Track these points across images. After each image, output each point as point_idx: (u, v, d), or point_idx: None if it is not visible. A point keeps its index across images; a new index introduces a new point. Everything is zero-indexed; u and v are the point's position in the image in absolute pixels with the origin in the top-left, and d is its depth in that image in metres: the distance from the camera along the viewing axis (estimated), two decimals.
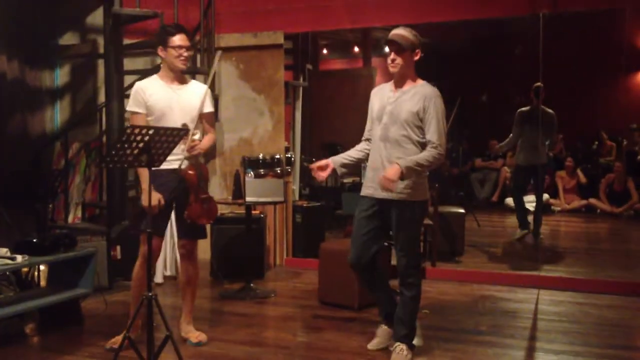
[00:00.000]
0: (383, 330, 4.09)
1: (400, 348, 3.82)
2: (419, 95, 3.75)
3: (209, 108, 4.12)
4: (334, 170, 3.92)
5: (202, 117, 4.10)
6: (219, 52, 4.32)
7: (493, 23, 6.61)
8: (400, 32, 3.76)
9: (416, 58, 3.79)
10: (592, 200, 9.65)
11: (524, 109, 7.32)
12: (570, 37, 8.39)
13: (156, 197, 3.80)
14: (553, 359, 3.91)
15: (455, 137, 9.75)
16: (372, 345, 4.04)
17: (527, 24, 5.93)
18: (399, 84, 3.86)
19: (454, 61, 8.97)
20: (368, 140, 4.01)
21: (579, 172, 9.87)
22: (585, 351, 4.03)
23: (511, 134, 7.43)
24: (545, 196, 9.60)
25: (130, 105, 3.99)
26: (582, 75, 9.61)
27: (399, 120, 3.75)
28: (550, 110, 7.18)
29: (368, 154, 3.98)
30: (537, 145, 7.14)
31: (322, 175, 3.93)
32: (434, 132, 3.70)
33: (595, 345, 4.16)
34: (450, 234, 6.75)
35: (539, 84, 7.06)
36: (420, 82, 3.86)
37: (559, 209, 9.77)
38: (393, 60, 3.78)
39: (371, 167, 3.89)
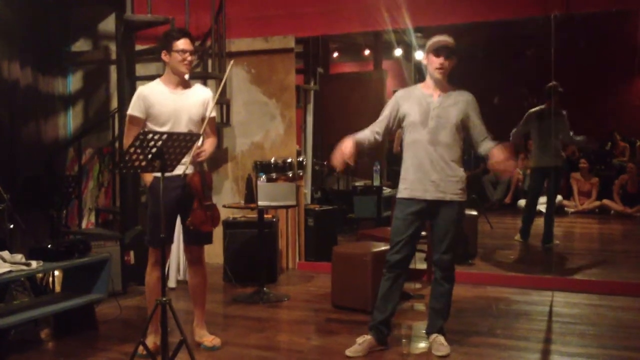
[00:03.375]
0: (367, 340, 4.07)
1: (440, 339, 4.01)
2: (462, 102, 3.97)
3: (212, 113, 4.12)
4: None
5: (204, 121, 4.10)
6: (231, 62, 4.32)
7: (504, 25, 6.59)
8: (448, 39, 3.92)
9: (453, 65, 3.99)
10: (606, 201, 9.60)
11: (534, 109, 7.23)
12: (583, 39, 8.36)
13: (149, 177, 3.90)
14: None
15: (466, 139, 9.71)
16: (352, 352, 4.01)
17: (539, 26, 5.91)
18: (439, 89, 3.99)
19: (465, 63, 8.94)
20: (377, 131, 4.05)
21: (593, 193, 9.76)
22: (601, 353, 4.01)
23: (519, 127, 7.35)
24: (559, 198, 9.55)
25: (131, 109, 3.99)
26: (595, 77, 9.57)
27: (449, 124, 3.92)
28: (560, 110, 7.09)
29: (376, 140, 4.05)
30: (551, 147, 7.09)
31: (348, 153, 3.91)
32: (485, 130, 3.99)
33: (610, 347, 4.13)
34: (463, 237, 6.71)
35: (553, 83, 7.00)
36: (451, 87, 4.03)
37: (572, 210, 9.72)
38: (442, 65, 3.92)
39: (417, 169, 3.96)
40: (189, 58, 3.99)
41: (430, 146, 3.91)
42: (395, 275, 4.04)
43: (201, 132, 3.94)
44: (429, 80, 4.02)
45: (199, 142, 3.94)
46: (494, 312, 5.01)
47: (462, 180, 3.97)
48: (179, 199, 3.97)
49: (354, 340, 4.14)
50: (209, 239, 4.19)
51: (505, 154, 3.83)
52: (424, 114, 3.93)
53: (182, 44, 3.96)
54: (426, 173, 3.91)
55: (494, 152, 3.86)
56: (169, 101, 3.97)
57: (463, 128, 3.96)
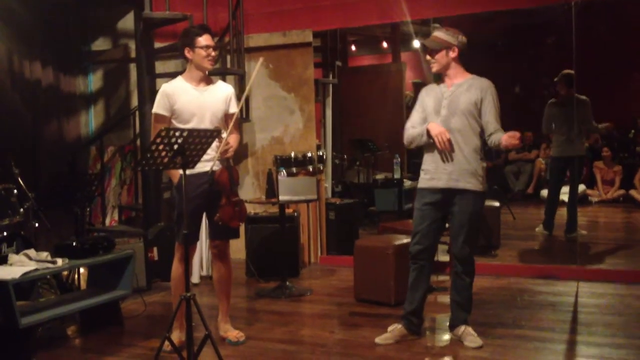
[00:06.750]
0: (398, 329, 4.13)
1: (470, 330, 4.03)
2: (475, 87, 3.96)
3: (233, 109, 4.14)
4: None
5: (227, 117, 4.12)
6: (260, 60, 4.31)
7: (524, 13, 6.52)
8: (434, 35, 4.01)
9: (453, 55, 3.97)
10: (633, 192, 9.45)
11: (553, 100, 7.14)
12: (603, 25, 8.25)
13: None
14: (595, 352, 3.85)
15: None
16: (381, 339, 4.09)
17: (559, 13, 5.84)
18: (449, 80, 4.03)
19: (485, 53, 8.87)
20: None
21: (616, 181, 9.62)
22: (628, 343, 3.97)
23: (545, 121, 7.24)
24: (582, 187, 9.44)
25: (156, 107, 4.01)
26: (616, 63, 9.42)
27: (458, 110, 3.92)
28: (583, 97, 6.94)
29: None
30: (571, 137, 7.00)
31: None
32: (496, 119, 3.90)
33: (637, 337, 4.08)
34: (486, 228, 6.68)
35: (568, 71, 6.89)
36: (471, 75, 4.04)
37: (596, 199, 9.60)
38: (429, 62, 4.02)
39: (433, 159, 3.99)
40: (213, 53, 4.03)
41: None
42: (419, 266, 4.07)
43: (228, 128, 3.95)
44: None
45: (224, 137, 3.96)
46: (518, 303, 4.97)
47: (478, 170, 3.92)
48: (206, 196, 4.00)
49: (377, 333, 4.15)
50: (236, 234, 4.23)
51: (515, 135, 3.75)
52: (437, 104, 4.00)
53: (204, 39, 4.00)
54: (440, 161, 3.95)
55: (505, 136, 3.77)
56: (193, 98, 4.00)
57: (478, 115, 3.93)
